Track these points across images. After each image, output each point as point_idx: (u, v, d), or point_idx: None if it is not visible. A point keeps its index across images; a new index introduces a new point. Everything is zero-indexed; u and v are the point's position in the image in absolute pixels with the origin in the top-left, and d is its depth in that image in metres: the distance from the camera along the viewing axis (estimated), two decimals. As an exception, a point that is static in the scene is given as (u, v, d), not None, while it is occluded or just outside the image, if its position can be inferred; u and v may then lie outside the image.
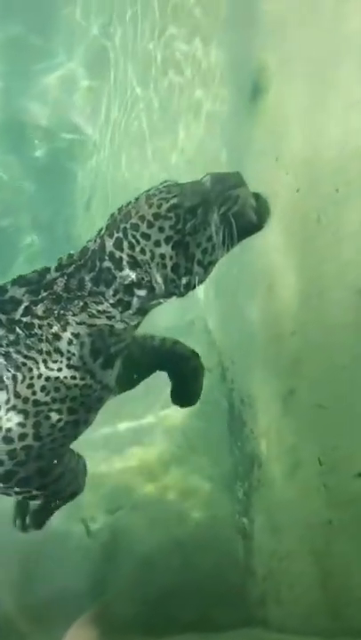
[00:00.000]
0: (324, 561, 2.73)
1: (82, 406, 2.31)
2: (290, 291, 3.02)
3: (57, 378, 2.28)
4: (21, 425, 2.26)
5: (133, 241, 2.22)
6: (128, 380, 2.72)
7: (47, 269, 2.32)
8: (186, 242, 2.22)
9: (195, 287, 2.33)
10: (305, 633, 2.85)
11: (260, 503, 3.42)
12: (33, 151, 7.18)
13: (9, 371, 2.28)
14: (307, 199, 2.75)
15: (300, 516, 2.91)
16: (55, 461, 2.36)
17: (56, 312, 2.28)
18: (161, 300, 2.34)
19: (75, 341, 2.27)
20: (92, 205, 6.51)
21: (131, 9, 5.79)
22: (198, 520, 3.78)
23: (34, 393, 2.27)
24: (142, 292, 2.26)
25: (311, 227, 2.73)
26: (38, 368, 2.28)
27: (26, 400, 2.27)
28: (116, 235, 2.25)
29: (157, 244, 2.21)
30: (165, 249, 2.21)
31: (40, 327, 2.28)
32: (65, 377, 2.28)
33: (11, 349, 2.28)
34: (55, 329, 2.27)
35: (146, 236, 2.21)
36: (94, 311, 2.29)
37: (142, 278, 2.23)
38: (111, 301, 2.27)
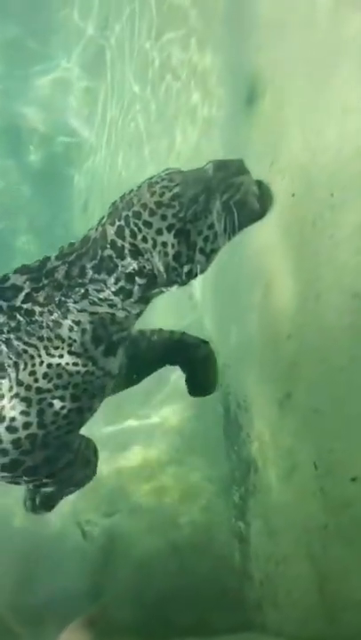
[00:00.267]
0: (321, 565, 2.72)
1: (85, 393, 2.30)
2: (286, 294, 3.01)
3: (59, 364, 2.26)
4: (25, 413, 2.24)
5: (135, 229, 2.22)
6: (136, 374, 2.71)
7: (48, 258, 2.32)
8: (187, 229, 2.22)
9: (196, 276, 2.33)
10: (302, 637, 2.85)
11: (257, 507, 3.42)
12: (29, 154, 7.18)
13: (10, 358, 2.27)
14: (303, 203, 2.74)
15: (297, 520, 2.90)
16: (63, 449, 2.34)
17: (57, 299, 2.27)
18: (163, 289, 2.34)
19: (75, 328, 2.27)
20: (89, 207, 6.52)
21: (128, 10, 5.80)
22: (195, 524, 3.78)
23: (36, 380, 2.25)
24: (144, 281, 2.25)
25: (307, 230, 2.72)
26: (40, 355, 2.26)
27: (28, 387, 2.25)
28: (117, 223, 2.25)
29: (159, 232, 2.21)
30: (167, 237, 2.21)
31: (41, 314, 2.27)
32: (67, 363, 2.26)
33: (12, 336, 2.27)
34: (56, 316, 2.27)
35: (148, 224, 2.22)
36: (95, 299, 2.28)
37: (144, 267, 2.23)
38: (112, 289, 2.27)
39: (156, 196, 2.23)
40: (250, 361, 3.44)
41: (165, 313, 4.04)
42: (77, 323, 2.27)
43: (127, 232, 2.24)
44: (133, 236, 2.23)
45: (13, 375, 2.26)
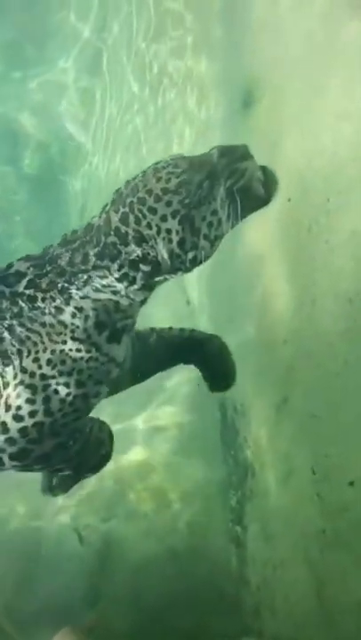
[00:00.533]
0: (319, 569, 2.72)
1: (90, 379, 2.28)
2: (283, 299, 3.02)
3: (62, 350, 2.25)
4: (31, 401, 2.23)
5: (140, 215, 2.21)
6: (143, 371, 2.70)
7: (51, 246, 2.32)
8: (192, 216, 2.21)
9: (201, 263, 2.32)
10: (300, 642, 2.85)
11: (254, 512, 3.42)
12: (26, 158, 7.17)
13: (14, 345, 2.25)
14: (299, 208, 2.75)
15: (294, 525, 2.90)
16: (73, 436, 2.33)
17: (60, 285, 2.27)
18: (167, 277, 2.33)
19: (78, 314, 2.26)
20: (87, 211, 6.51)
21: (125, 13, 5.80)
22: (192, 529, 3.78)
23: (40, 367, 2.24)
24: (148, 268, 2.24)
25: (303, 235, 2.73)
26: (43, 342, 2.25)
27: (33, 375, 2.24)
28: (122, 209, 2.24)
29: (164, 218, 2.20)
30: (172, 223, 2.20)
31: (43, 300, 2.26)
32: (70, 349, 2.25)
33: (14, 322, 2.26)
34: (58, 302, 2.26)
35: (153, 211, 2.21)
36: (98, 285, 2.27)
37: (148, 253, 2.22)
38: (116, 275, 2.26)
39: (163, 181, 2.22)
40: (247, 365, 3.43)
41: (163, 318, 4.04)
42: (80, 309, 2.26)
43: (131, 218, 2.22)
44: (138, 222, 2.22)
45: (17, 362, 2.25)
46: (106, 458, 2.56)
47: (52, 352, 2.25)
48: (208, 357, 2.75)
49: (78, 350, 2.26)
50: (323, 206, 2.57)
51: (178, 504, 3.90)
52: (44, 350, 2.25)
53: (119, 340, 2.34)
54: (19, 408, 2.23)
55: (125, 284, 2.28)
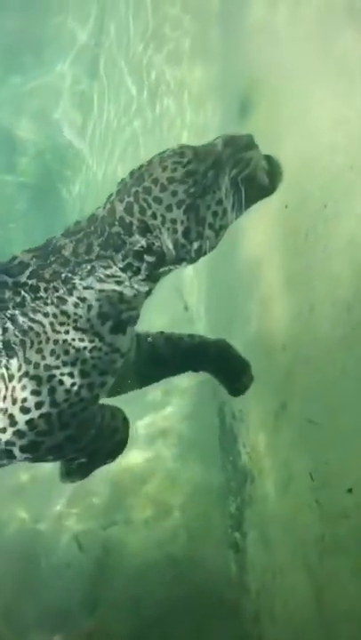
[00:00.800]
0: (318, 576, 2.72)
1: (94, 369, 2.26)
2: (281, 305, 3.02)
3: (65, 341, 2.22)
4: (36, 393, 2.21)
5: (145, 205, 2.19)
6: (149, 374, 2.69)
7: (54, 237, 2.30)
8: (197, 205, 2.19)
9: (205, 253, 2.29)
10: (299, 648, 2.85)
11: (253, 518, 3.42)
12: (23, 164, 7.17)
13: (17, 336, 2.23)
14: (296, 215, 2.75)
15: (293, 531, 2.90)
16: (84, 427, 2.31)
17: (63, 275, 2.25)
18: (171, 267, 2.31)
19: (81, 304, 2.24)
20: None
21: (123, 18, 5.81)
22: (191, 535, 3.78)
23: (43, 357, 2.22)
24: (152, 258, 2.23)
25: (300, 242, 2.73)
26: (46, 332, 2.23)
27: (37, 365, 2.21)
28: (127, 199, 2.22)
29: (169, 208, 2.18)
30: (177, 213, 2.18)
31: (46, 290, 2.24)
32: (73, 339, 2.23)
33: (17, 312, 2.24)
34: (61, 292, 2.24)
35: (158, 200, 2.19)
36: (102, 275, 2.25)
37: (152, 244, 2.21)
38: (120, 265, 2.24)
39: (168, 171, 2.20)
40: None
41: (161, 324, 4.04)
42: (83, 299, 2.24)
43: (136, 208, 2.21)
44: (142, 212, 2.20)
45: (21, 354, 2.23)
46: (121, 444, 2.51)
47: (55, 342, 2.23)
48: (220, 362, 2.73)
49: (81, 340, 2.24)
50: (320, 213, 2.58)
51: (177, 510, 3.89)
52: (47, 341, 2.23)
53: (124, 330, 2.31)
54: (24, 400, 2.21)
55: (129, 274, 2.25)
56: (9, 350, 2.23)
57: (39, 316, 2.24)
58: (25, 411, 2.21)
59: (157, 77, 5.08)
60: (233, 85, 3.64)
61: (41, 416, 2.22)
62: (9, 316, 2.24)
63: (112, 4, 6.17)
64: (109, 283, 2.26)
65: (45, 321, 2.24)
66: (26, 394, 2.21)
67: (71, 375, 2.23)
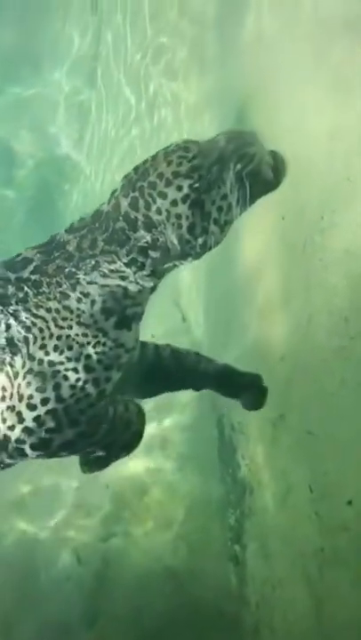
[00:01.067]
0: (318, 588, 2.71)
1: (99, 364, 2.25)
2: (278, 316, 3.02)
3: (68, 336, 2.21)
4: (41, 389, 2.20)
5: (150, 200, 2.18)
6: (151, 387, 2.67)
7: (58, 233, 2.30)
8: (202, 200, 2.18)
9: (210, 248, 2.28)
10: (299, 661, 2.83)
11: (253, 530, 3.40)
12: (21, 177, 7.18)
13: (20, 332, 2.22)
14: (293, 226, 2.76)
15: (293, 543, 2.89)
16: (94, 423, 2.29)
17: (67, 270, 2.24)
18: (176, 263, 2.30)
19: (84, 300, 2.22)
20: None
21: (120, 28, 5.83)
22: (191, 547, 3.76)
23: (47, 353, 2.20)
24: (157, 254, 2.22)
25: (297, 253, 2.74)
26: (49, 327, 2.22)
27: (40, 362, 2.20)
28: (132, 194, 2.21)
29: (174, 203, 2.17)
30: (182, 208, 2.17)
31: (48, 285, 2.23)
32: (76, 334, 2.21)
33: (20, 307, 2.23)
34: (64, 287, 2.23)
35: (163, 195, 2.18)
36: (106, 270, 2.24)
37: (157, 239, 2.19)
38: (124, 260, 2.23)
39: (174, 165, 2.19)
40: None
41: (159, 335, 4.04)
42: (86, 294, 2.23)
43: (141, 203, 2.20)
44: (148, 207, 2.19)
45: (25, 350, 2.22)
46: (136, 436, 2.49)
47: (59, 338, 2.21)
48: (222, 386, 2.73)
49: (85, 335, 2.22)
50: (317, 224, 2.58)
51: (176, 523, 3.87)
52: (51, 337, 2.21)
53: (129, 326, 2.30)
54: (30, 397, 2.20)
55: (134, 269, 2.24)
56: (12, 347, 2.23)
57: (42, 312, 2.23)
58: (31, 407, 2.20)
59: (155, 88, 5.09)
60: (229, 96, 3.65)
61: (47, 412, 2.20)
62: (11, 312, 2.23)
63: (109, 14, 6.19)
64: (113, 278, 2.25)
65: (48, 316, 2.22)
66: (31, 390, 2.20)
67: (75, 370, 2.21)
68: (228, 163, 2.23)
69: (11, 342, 2.23)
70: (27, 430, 2.22)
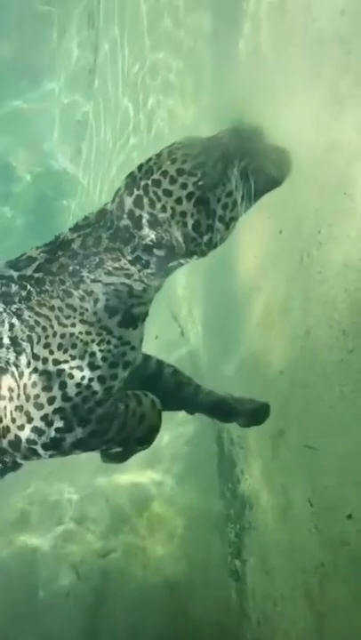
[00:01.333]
0: (319, 604, 2.69)
1: (104, 361, 2.22)
2: (277, 330, 3.02)
3: (72, 334, 2.19)
4: (47, 388, 2.19)
5: (154, 198, 2.16)
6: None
7: (62, 232, 2.29)
8: (206, 198, 2.16)
9: (216, 246, 2.25)
10: None
11: (253, 545, 3.39)
12: (20, 194, 7.19)
13: (23, 332, 2.21)
14: (290, 240, 2.76)
15: (293, 558, 2.88)
16: (105, 421, 2.26)
17: (71, 268, 2.22)
18: (182, 261, 2.28)
19: (87, 297, 2.20)
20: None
21: (117, 43, 5.86)
22: (191, 563, 3.74)
23: (51, 352, 2.19)
24: (162, 252, 2.19)
25: (295, 267, 2.74)
26: (52, 326, 2.21)
27: (45, 361, 2.19)
28: (136, 192, 2.19)
29: (179, 201, 2.16)
30: (187, 206, 2.15)
31: (52, 283, 2.22)
32: (80, 332, 2.19)
33: (23, 306, 2.22)
34: (67, 285, 2.21)
35: (168, 193, 2.16)
36: (110, 268, 2.22)
37: (162, 237, 2.17)
38: (129, 258, 2.21)
39: (178, 163, 2.17)
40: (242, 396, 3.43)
41: (157, 348, 4.03)
42: (90, 292, 2.20)
43: (146, 201, 2.17)
44: (152, 205, 2.17)
45: (29, 349, 2.21)
46: (151, 430, 2.43)
47: (62, 336, 2.19)
48: (219, 419, 2.74)
49: (88, 333, 2.20)
50: (314, 238, 2.58)
51: (176, 538, 3.86)
52: (54, 335, 2.19)
53: (135, 325, 2.28)
54: (37, 396, 2.18)
55: (138, 267, 2.22)
56: (17, 346, 2.21)
57: (45, 310, 2.22)
58: (38, 407, 2.19)
59: (152, 102, 5.11)
60: (225, 109, 3.67)
61: (55, 411, 2.19)
62: (14, 310, 2.21)
63: (105, 27, 6.23)
64: (118, 276, 2.24)
65: (51, 315, 2.21)
66: (37, 390, 2.19)
67: (80, 368, 2.19)
68: (233, 159, 2.20)
69: (15, 342, 2.21)
70: (36, 430, 2.20)
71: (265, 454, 3.16)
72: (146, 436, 2.44)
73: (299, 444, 2.80)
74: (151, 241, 2.19)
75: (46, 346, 2.20)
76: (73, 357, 2.20)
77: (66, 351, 2.20)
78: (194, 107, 4.41)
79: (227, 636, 3.46)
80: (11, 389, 2.23)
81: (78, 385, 2.19)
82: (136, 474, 4.13)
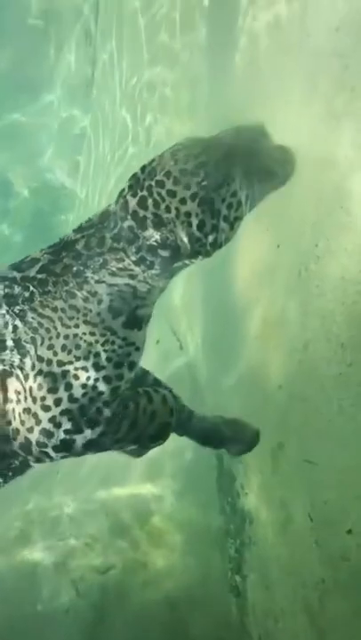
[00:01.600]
0: (319, 620, 2.67)
1: (108, 361, 2.21)
2: (276, 343, 3.02)
3: (75, 335, 2.19)
4: (53, 390, 2.18)
5: (158, 198, 2.14)
6: None
7: (65, 235, 2.28)
8: (211, 198, 2.15)
9: (221, 246, 2.23)
10: None
11: (253, 560, 3.36)
12: (17, 210, 7.19)
13: (27, 334, 2.20)
14: (288, 254, 2.76)
15: (294, 574, 2.86)
16: (113, 422, 2.25)
17: (75, 269, 2.21)
18: (186, 262, 2.26)
19: (91, 299, 2.19)
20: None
21: (114, 57, 5.89)
22: (191, 578, 3.71)
23: (55, 354, 2.18)
24: (167, 253, 2.18)
25: (293, 280, 2.74)
26: (55, 327, 2.20)
27: (50, 362, 2.18)
28: (140, 193, 2.17)
29: (183, 201, 2.14)
30: (191, 206, 2.14)
31: (55, 284, 2.21)
32: (83, 333, 2.18)
33: (26, 307, 2.20)
34: (70, 286, 2.20)
35: (172, 193, 2.15)
36: (115, 269, 2.21)
37: (167, 238, 2.16)
38: (133, 258, 2.20)
39: (181, 163, 2.15)
40: (242, 411, 3.42)
41: (156, 363, 4.03)
42: (94, 293, 2.19)
43: (150, 202, 2.16)
44: (156, 205, 2.15)
45: (33, 351, 2.20)
46: (163, 427, 2.41)
47: (66, 337, 2.18)
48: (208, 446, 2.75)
49: (92, 334, 2.19)
50: (312, 252, 2.59)
51: (176, 553, 3.83)
52: (58, 336, 2.18)
53: (139, 326, 2.28)
54: (43, 398, 2.17)
55: (143, 267, 2.22)
56: (20, 349, 2.21)
57: (48, 311, 2.21)
58: (45, 409, 2.18)
59: (152, 108, 5.13)
60: (221, 124, 3.68)
61: (62, 413, 2.18)
62: (17, 312, 2.20)
63: (103, 40, 6.26)
64: (122, 276, 2.23)
65: (54, 316, 2.20)
66: (43, 392, 2.18)
67: (85, 369, 2.18)
68: (236, 159, 2.21)
69: (18, 344, 2.21)
70: (45, 432, 2.19)
71: (264, 468, 3.14)
72: (158, 434, 2.42)
73: (298, 459, 2.79)
74: (156, 241, 2.18)
75: (50, 347, 2.19)
76: (77, 358, 2.19)
77: (70, 352, 2.19)
78: (190, 122, 4.43)
79: (228, 652, 3.43)
80: (17, 392, 2.22)
81: (84, 386, 2.18)
82: (135, 489, 4.12)
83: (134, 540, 3.94)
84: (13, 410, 2.24)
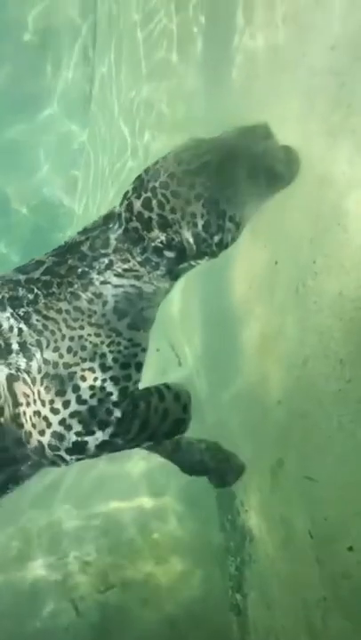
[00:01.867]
0: (321, 639, 2.65)
1: (115, 362, 2.21)
2: (274, 360, 3.01)
3: (80, 336, 2.18)
4: (61, 393, 2.16)
5: (163, 199, 2.14)
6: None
7: (70, 237, 2.27)
8: (215, 197, 2.14)
9: (227, 246, 2.22)
10: None
11: (254, 578, 3.34)
12: (16, 223, 7.19)
13: (32, 337, 2.18)
14: (285, 270, 2.76)
15: (295, 592, 2.84)
16: (125, 422, 2.24)
17: (80, 270, 2.20)
18: (192, 263, 2.25)
19: (95, 300, 2.18)
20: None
21: (113, 66, 5.91)
22: (191, 597, 3.68)
23: (61, 356, 2.17)
24: (172, 254, 2.17)
25: (291, 296, 2.74)
26: (60, 329, 2.18)
27: (56, 365, 2.17)
28: (144, 195, 2.17)
29: (188, 202, 2.14)
30: (196, 206, 2.13)
31: (59, 286, 2.19)
32: (89, 334, 2.17)
33: (30, 309, 2.19)
34: (75, 287, 2.19)
35: (176, 194, 2.15)
36: (120, 270, 2.20)
37: (172, 239, 2.15)
38: (138, 259, 2.19)
39: (184, 164, 2.16)
40: (241, 428, 3.42)
41: (155, 378, 4.01)
42: (98, 295, 2.18)
43: (155, 203, 2.16)
44: (161, 206, 2.16)
45: (39, 355, 2.19)
46: (176, 424, 2.40)
47: (71, 339, 2.17)
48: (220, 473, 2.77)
49: (97, 335, 2.18)
50: (309, 268, 2.59)
51: (176, 572, 3.80)
52: (63, 338, 2.17)
53: (145, 328, 2.28)
54: (52, 401, 2.16)
55: (148, 268, 2.21)
56: (26, 352, 2.19)
57: (52, 313, 2.20)
58: (55, 411, 2.17)
59: (151, 121, 5.14)
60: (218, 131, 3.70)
61: (72, 415, 2.17)
62: (22, 314, 2.19)
63: (100, 56, 6.29)
64: (128, 278, 2.22)
65: (59, 317, 2.19)
66: (51, 395, 2.17)
67: (92, 370, 2.17)
68: (241, 159, 2.20)
69: (24, 347, 2.19)
70: (56, 435, 2.18)
71: (264, 485, 3.13)
72: (172, 430, 2.41)
73: (298, 475, 2.78)
74: (161, 242, 2.17)
75: (56, 350, 2.18)
76: (83, 360, 2.18)
77: (76, 354, 2.18)
78: (187, 136, 4.44)
79: (229, 671, 3.41)
80: (26, 395, 2.21)
81: (92, 387, 2.17)
82: (136, 506, 4.09)
83: (134, 558, 3.92)
84: (24, 412, 2.23)
